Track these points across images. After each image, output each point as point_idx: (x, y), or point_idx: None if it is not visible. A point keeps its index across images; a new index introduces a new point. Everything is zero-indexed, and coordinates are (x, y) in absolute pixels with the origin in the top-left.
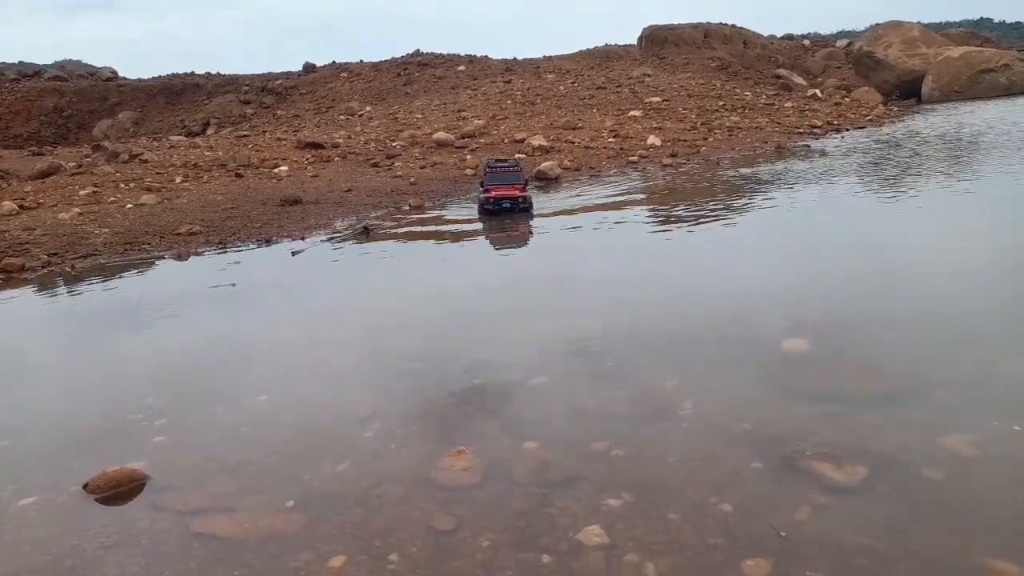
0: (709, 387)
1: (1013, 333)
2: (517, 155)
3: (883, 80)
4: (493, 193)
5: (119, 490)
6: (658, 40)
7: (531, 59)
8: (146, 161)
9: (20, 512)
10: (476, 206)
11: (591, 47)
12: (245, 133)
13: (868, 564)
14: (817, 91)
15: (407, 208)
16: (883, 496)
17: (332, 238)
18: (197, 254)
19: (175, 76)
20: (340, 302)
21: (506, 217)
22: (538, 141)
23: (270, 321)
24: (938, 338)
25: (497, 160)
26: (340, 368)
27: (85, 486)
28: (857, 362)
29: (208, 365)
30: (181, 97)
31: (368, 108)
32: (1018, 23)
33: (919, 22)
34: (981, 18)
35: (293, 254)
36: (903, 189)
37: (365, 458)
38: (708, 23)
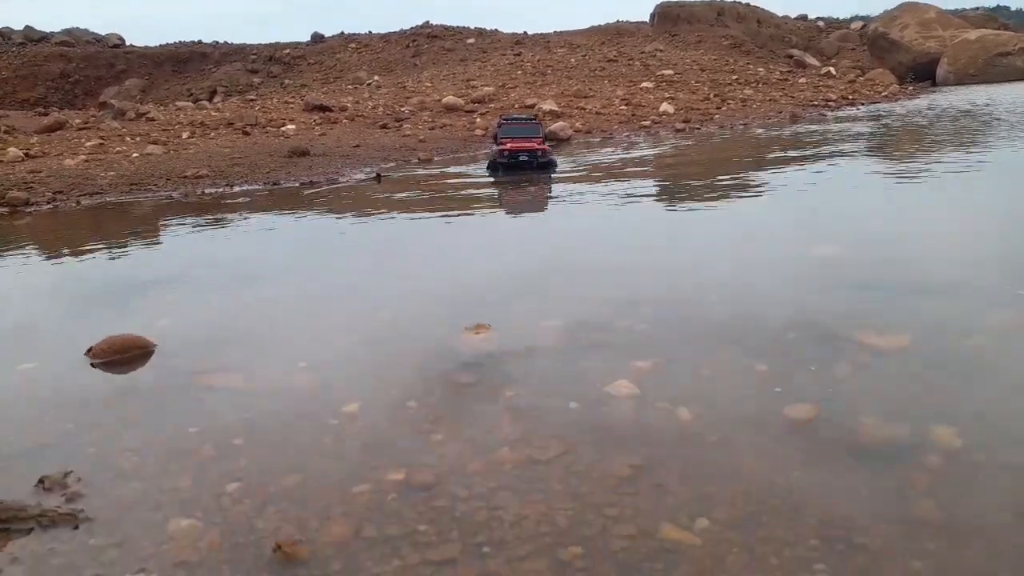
0: (739, 280)
1: None
2: None
3: (898, 62)
4: (508, 146)
5: (124, 355)
6: (671, 17)
7: (542, 33)
8: (153, 119)
9: (20, 374)
10: (487, 163)
11: (602, 23)
12: (252, 98)
13: (919, 412)
14: (831, 69)
15: (416, 161)
16: (928, 358)
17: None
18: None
19: (182, 44)
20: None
21: (521, 175)
22: (549, 106)
23: (277, 232)
24: (966, 247)
25: (513, 114)
26: (354, 267)
27: (89, 351)
28: (893, 261)
29: (218, 262)
30: (188, 65)
31: (376, 78)
32: None
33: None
34: (997, 5)
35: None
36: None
37: (380, 333)
38: (722, 1)
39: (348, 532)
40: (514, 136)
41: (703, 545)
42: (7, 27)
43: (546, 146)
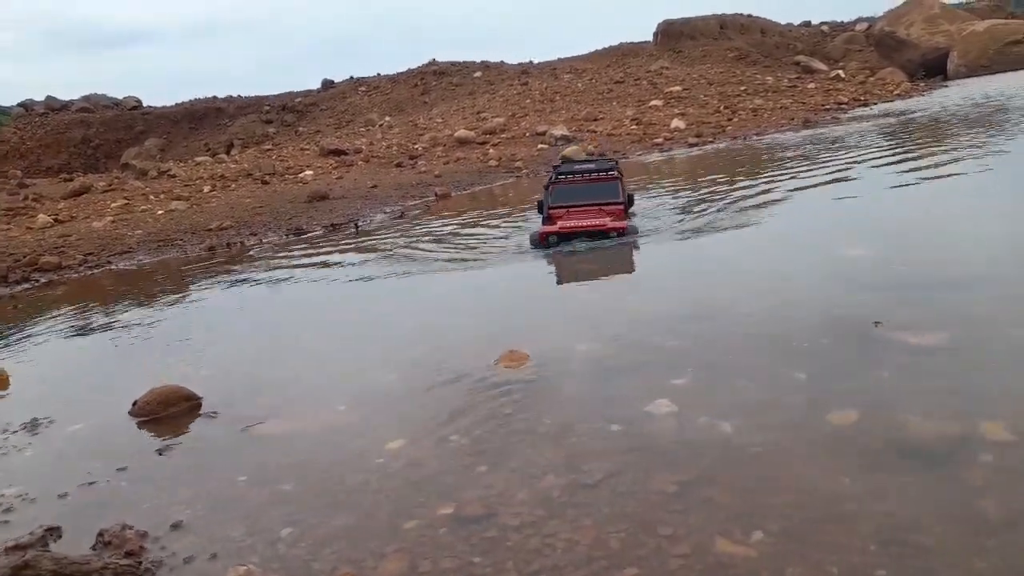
0: (769, 287)
1: None
2: (540, 146)
3: (907, 60)
4: (558, 224)
5: (170, 409)
6: (674, 34)
7: (547, 61)
8: (174, 176)
9: (71, 435)
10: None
11: (606, 46)
12: (268, 148)
13: (964, 408)
14: (840, 72)
15: (433, 197)
16: (968, 353)
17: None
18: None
19: (197, 101)
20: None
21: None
22: (560, 132)
23: (305, 277)
24: (1000, 240)
25: (563, 158)
26: (384, 307)
27: (134, 404)
28: (924, 259)
29: (250, 310)
30: (204, 121)
31: (388, 118)
32: None
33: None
34: None
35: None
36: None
37: (414, 370)
38: (724, 14)
39: (405, 568)
40: (571, 203)
41: (760, 558)
42: (29, 99)
43: (624, 221)
